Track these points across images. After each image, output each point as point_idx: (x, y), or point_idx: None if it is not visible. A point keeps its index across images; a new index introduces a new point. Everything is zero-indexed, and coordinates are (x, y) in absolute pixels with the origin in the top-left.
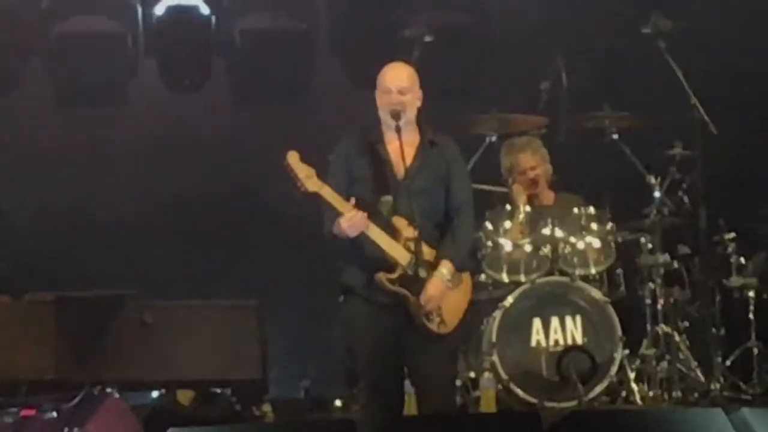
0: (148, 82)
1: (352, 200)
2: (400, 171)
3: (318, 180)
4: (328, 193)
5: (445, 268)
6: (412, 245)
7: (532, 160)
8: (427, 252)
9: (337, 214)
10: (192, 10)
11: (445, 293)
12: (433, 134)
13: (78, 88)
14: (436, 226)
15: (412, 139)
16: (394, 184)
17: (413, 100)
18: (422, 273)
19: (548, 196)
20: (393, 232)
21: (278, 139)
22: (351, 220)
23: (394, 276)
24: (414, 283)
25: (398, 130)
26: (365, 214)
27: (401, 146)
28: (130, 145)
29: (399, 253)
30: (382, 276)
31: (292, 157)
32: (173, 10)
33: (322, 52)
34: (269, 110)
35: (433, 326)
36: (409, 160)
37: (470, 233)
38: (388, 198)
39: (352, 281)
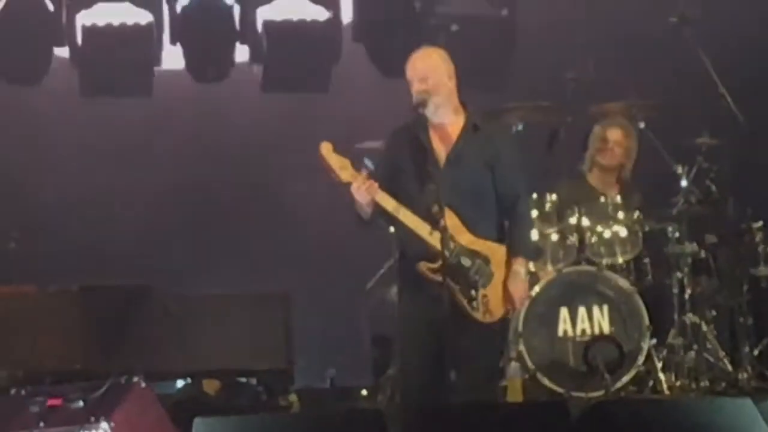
0: (172, 71)
1: (364, 171)
2: (441, 158)
3: (353, 170)
4: (359, 179)
5: (522, 267)
6: (452, 233)
7: (618, 137)
8: (472, 240)
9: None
10: None
11: (526, 289)
12: (478, 117)
13: (103, 78)
14: (485, 213)
15: (454, 122)
16: (435, 172)
17: (439, 83)
18: (465, 261)
19: (612, 187)
20: (434, 220)
21: (303, 128)
22: (359, 187)
23: (435, 265)
24: (456, 271)
25: (426, 118)
26: (375, 183)
27: (438, 133)
28: (155, 135)
29: (435, 241)
30: (423, 265)
31: (326, 149)
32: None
33: (347, 41)
34: (294, 99)
35: (479, 315)
36: (449, 147)
37: (530, 222)
38: (432, 187)
39: (399, 270)
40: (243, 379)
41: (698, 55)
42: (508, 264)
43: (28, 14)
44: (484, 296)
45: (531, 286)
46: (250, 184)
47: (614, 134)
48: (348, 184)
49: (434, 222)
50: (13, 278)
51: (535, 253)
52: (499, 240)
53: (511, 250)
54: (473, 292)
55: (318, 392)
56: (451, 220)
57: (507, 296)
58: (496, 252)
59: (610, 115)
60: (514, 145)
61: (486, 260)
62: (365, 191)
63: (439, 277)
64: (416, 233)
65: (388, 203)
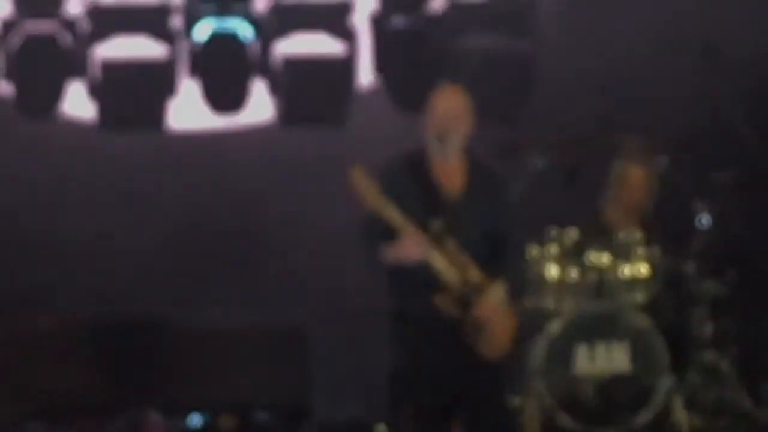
0: (188, 104)
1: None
2: (449, 194)
3: (382, 196)
4: (391, 210)
5: (501, 289)
6: (464, 269)
7: (640, 179)
8: (479, 277)
9: (395, 233)
10: (233, 32)
11: (497, 313)
12: (480, 160)
13: (119, 111)
14: (486, 251)
15: (459, 164)
16: (443, 207)
17: (462, 125)
18: (475, 297)
19: (633, 226)
20: (447, 256)
21: (320, 163)
22: (414, 244)
23: (449, 299)
24: (467, 306)
25: (445, 153)
26: (424, 241)
27: (449, 170)
28: (169, 167)
29: (453, 277)
30: (440, 298)
31: (358, 172)
32: (215, 33)
33: (365, 75)
34: (311, 133)
35: (485, 350)
36: (458, 184)
37: (523, 261)
38: (439, 222)
39: (404, 304)
40: (260, 414)
41: (721, 89)
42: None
43: (42, 47)
44: (491, 331)
45: (550, 322)
46: (265, 217)
47: (635, 172)
48: (371, 211)
49: (448, 256)
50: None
51: (518, 292)
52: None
53: (495, 279)
54: (479, 328)
55: (335, 427)
56: (460, 254)
57: (508, 332)
58: (501, 288)
59: (631, 152)
60: (511, 187)
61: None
62: (418, 249)
63: (456, 312)
64: (440, 270)
65: (437, 259)
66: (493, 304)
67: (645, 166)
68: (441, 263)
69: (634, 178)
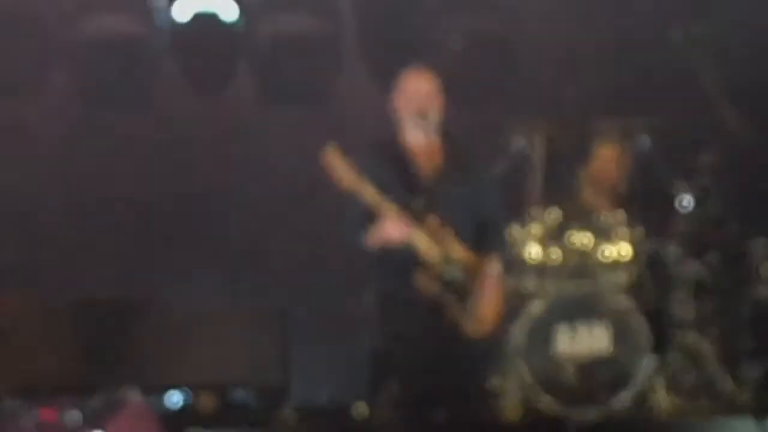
0: (171, 84)
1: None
2: (428, 173)
3: (358, 176)
4: (368, 190)
5: (497, 264)
6: (447, 246)
7: (612, 155)
8: (462, 253)
9: (372, 215)
10: (217, 13)
11: (493, 288)
12: (456, 139)
13: (101, 91)
14: (470, 227)
15: (436, 143)
16: (423, 186)
17: (437, 104)
18: (456, 274)
19: (605, 204)
20: (427, 234)
21: (303, 142)
22: (396, 224)
23: (430, 277)
24: (449, 284)
25: (424, 131)
26: (407, 222)
27: (426, 149)
28: (154, 147)
29: (435, 255)
30: (421, 277)
31: (333, 152)
32: (198, 13)
33: (348, 56)
34: (293, 113)
35: (470, 328)
36: (436, 163)
37: (503, 231)
38: (419, 200)
39: (386, 282)
40: (238, 394)
41: (701, 72)
42: (498, 275)
43: (24, 26)
44: (474, 309)
45: (531, 303)
46: (248, 197)
47: (608, 152)
48: (348, 192)
49: (430, 234)
50: (7, 289)
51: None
52: (484, 253)
53: (486, 255)
54: (465, 305)
55: (314, 408)
56: (441, 232)
57: (496, 309)
58: (485, 264)
59: (606, 132)
60: (487, 166)
61: (475, 272)
62: (400, 229)
63: (435, 290)
64: (421, 249)
65: (419, 238)
66: (492, 278)
67: (618, 147)
68: (422, 242)
69: (606, 158)
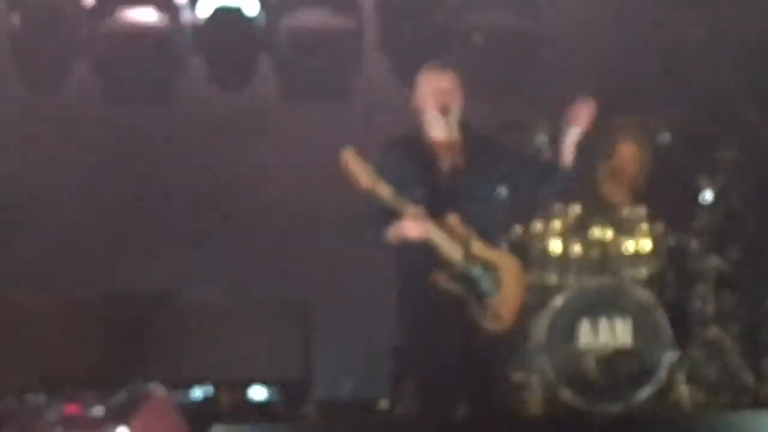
0: (194, 79)
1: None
2: (449, 170)
3: (375, 177)
4: (385, 191)
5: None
6: (465, 243)
7: (632, 151)
8: (482, 249)
9: (392, 213)
10: (239, 7)
11: (515, 285)
12: (477, 135)
13: (124, 85)
14: (493, 223)
15: (457, 139)
16: (444, 182)
17: (458, 99)
18: (476, 270)
19: (625, 199)
20: (447, 231)
21: (326, 137)
22: (414, 223)
23: (449, 274)
24: (468, 281)
25: (446, 127)
26: (425, 219)
27: (449, 145)
28: (175, 142)
29: (454, 251)
30: (439, 274)
31: (349, 154)
32: (221, 8)
33: (371, 50)
34: (316, 108)
35: (489, 324)
36: (457, 159)
37: None
38: (440, 197)
39: (407, 280)
40: (261, 389)
41: (723, 69)
42: (517, 272)
43: (48, 21)
44: (494, 305)
45: (553, 298)
46: (271, 192)
47: (627, 148)
48: (368, 191)
49: (449, 231)
50: (31, 286)
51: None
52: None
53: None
54: (484, 302)
55: (336, 403)
56: (460, 229)
57: (515, 305)
58: (505, 261)
59: (626, 129)
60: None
61: (495, 269)
62: (418, 227)
63: (454, 287)
64: (439, 246)
65: (438, 236)
66: (513, 276)
67: (636, 143)
68: (442, 239)
69: (627, 154)
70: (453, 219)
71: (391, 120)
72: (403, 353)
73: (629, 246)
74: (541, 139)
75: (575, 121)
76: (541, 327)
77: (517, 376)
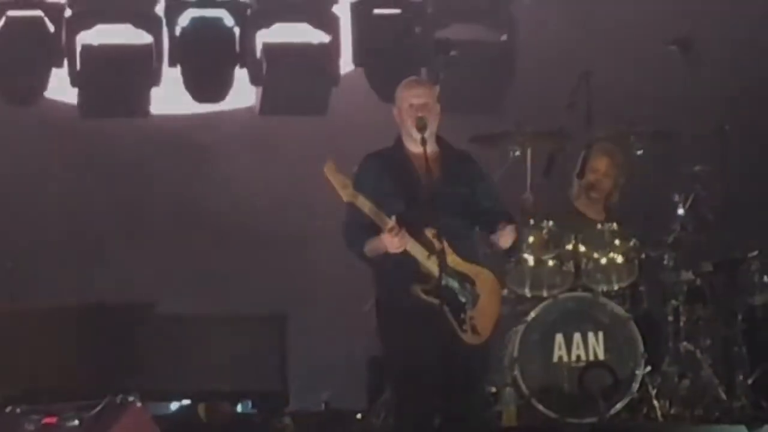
0: (171, 92)
1: (393, 217)
2: (427, 183)
3: (354, 191)
4: (365, 204)
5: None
6: (443, 256)
7: (606, 167)
8: (459, 263)
9: (374, 225)
10: (216, 21)
11: (492, 299)
12: (453, 149)
13: (101, 98)
14: (468, 236)
15: (434, 153)
16: (422, 196)
17: (435, 113)
18: (452, 283)
19: (600, 213)
20: (426, 244)
21: (304, 150)
22: (392, 236)
23: (427, 287)
24: (445, 293)
25: (423, 142)
26: (404, 231)
27: (426, 159)
28: (152, 154)
29: (432, 265)
30: (417, 287)
31: (329, 167)
32: (197, 21)
33: (346, 64)
34: (294, 121)
35: (467, 337)
36: (435, 173)
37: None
38: (418, 210)
39: (385, 292)
40: (238, 401)
41: (696, 82)
42: (493, 285)
43: (27, 34)
44: (471, 318)
45: (527, 311)
46: (248, 205)
47: (601, 163)
48: (349, 204)
49: (427, 244)
50: (9, 296)
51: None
52: (482, 262)
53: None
54: (462, 315)
55: (312, 415)
56: (438, 242)
57: (492, 318)
58: (481, 274)
59: (600, 143)
60: (486, 174)
61: (471, 282)
62: (399, 241)
63: (433, 300)
64: (418, 259)
65: (416, 249)
66: (490, 289)
67: (610, 158)
68: (419, 253)
69: (600, 169)
70: (430, 232)
71: (368, 134)
72: (380, 365)
73: (603, 260)
74: (516, 153)
75: (501, 242)
76: (515, 340)
77: (493, 389)
